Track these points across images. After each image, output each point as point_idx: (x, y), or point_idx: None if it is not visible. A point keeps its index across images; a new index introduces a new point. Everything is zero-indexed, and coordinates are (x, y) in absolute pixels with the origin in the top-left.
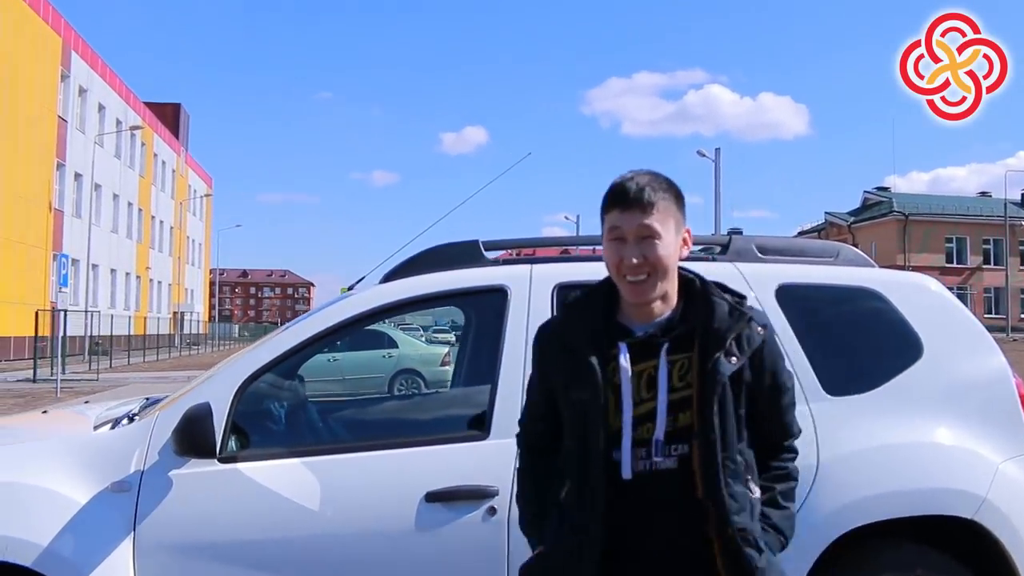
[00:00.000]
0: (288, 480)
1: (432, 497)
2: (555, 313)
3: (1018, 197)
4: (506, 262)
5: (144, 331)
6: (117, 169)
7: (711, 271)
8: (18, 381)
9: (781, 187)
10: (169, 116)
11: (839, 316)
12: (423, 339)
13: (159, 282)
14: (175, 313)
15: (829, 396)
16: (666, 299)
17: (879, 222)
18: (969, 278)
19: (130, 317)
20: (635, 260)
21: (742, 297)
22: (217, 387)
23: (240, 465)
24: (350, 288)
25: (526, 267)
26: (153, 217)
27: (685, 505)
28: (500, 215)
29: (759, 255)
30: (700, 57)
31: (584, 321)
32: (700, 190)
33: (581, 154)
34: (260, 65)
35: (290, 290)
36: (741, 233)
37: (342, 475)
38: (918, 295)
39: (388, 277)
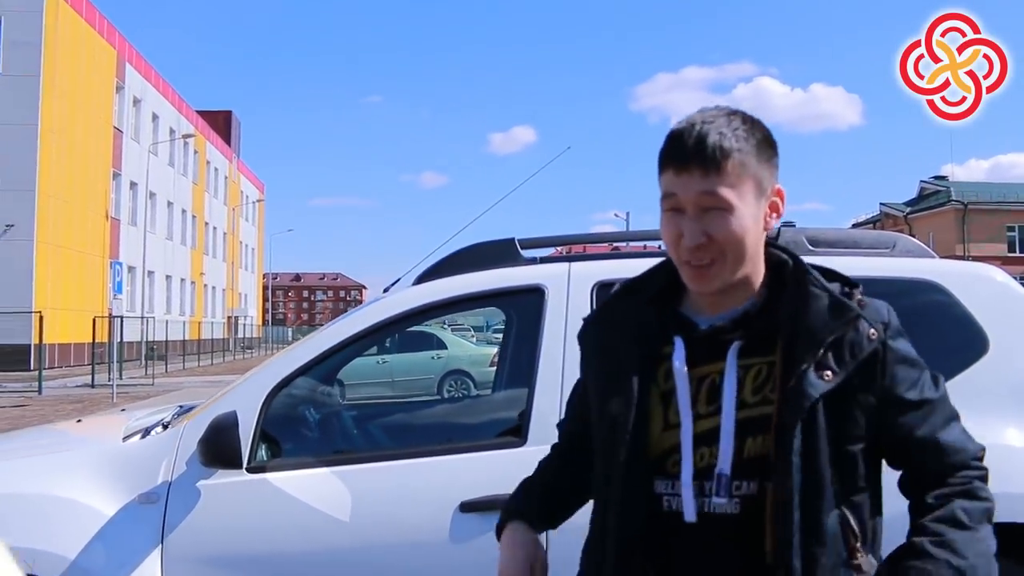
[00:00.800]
0: (318, 490)
1: (467, 507)
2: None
3: None
4: (547, 260)
5: (199, 336)
6: (171, 177)
7: None
8: (77, 387)
9: (835, 179)
10: (221, 124)
11: (897, 311)
12: (473, 340)
13: (213, 287)
14: (229, 318)
15: None
16: (746, 284)
17: (937, 212)
18: None
19: (185, 322)
20: (696, 240)
21: (854, 286)
22: (245, 395)
23: (269, 475)
24: (385, 290)
25: (564, 265)
26: (207, 223)
27: (746, 566)
28: (549, 214)
29: (811, 248)
30: (748, 50)
31: (630, 311)
32: None
33: (630, 151)
34: (309, 71)
35: (342, 292)
36: (793, 226)
37: (373, 485)
38: (982, 286)
39: (421, 278)
